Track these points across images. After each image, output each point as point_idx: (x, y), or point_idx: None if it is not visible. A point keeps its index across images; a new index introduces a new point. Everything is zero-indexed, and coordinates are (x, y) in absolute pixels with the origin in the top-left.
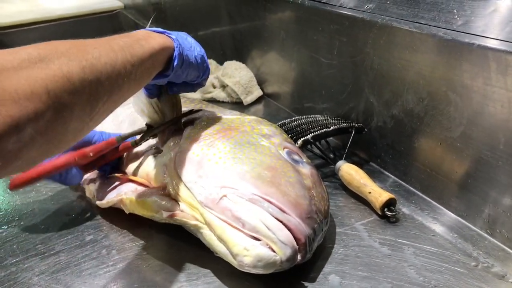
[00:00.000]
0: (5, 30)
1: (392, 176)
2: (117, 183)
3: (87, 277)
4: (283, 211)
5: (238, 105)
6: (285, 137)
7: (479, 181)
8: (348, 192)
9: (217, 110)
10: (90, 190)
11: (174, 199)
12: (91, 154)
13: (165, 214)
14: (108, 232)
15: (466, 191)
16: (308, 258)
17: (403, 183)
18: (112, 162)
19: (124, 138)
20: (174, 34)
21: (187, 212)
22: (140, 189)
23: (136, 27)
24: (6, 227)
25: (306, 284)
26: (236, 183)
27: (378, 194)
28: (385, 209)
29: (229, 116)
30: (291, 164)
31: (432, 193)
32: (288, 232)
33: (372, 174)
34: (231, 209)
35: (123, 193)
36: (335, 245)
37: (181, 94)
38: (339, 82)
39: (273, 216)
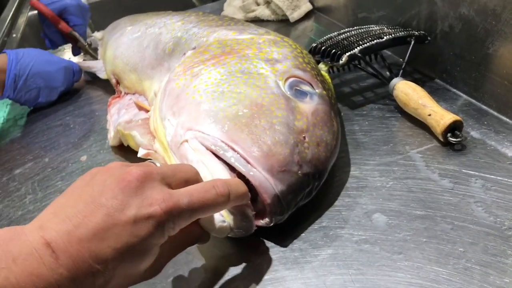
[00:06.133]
0: None
1: (461, 94)
2: (133, 112)
3: None
4: (249, 163)
5: (284, 23)
6: (301, 61)
7: None
8: (405, 115)
9: (237, 28)
10: (109, 122)
11: (154, 135)
12: None
13: (140, 153)
14: None
15: None
16: (281, 220)
17: (474, 101)
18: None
19: None
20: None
21: (160, 153)
22: (135, 119)
23: None
24: (31, 164)
25: (343, 225)
26: (204, 125)
27: (440, 117)
28: (448, 135)
29: (244, 36)
30: (285, 99)
31: (511, 112)
32: None
33: (437, 93)
34: (187, 158)
35: (118, 124)
36: (382, 178)
37: (223, 13)
38: None
39: (237, 167)
